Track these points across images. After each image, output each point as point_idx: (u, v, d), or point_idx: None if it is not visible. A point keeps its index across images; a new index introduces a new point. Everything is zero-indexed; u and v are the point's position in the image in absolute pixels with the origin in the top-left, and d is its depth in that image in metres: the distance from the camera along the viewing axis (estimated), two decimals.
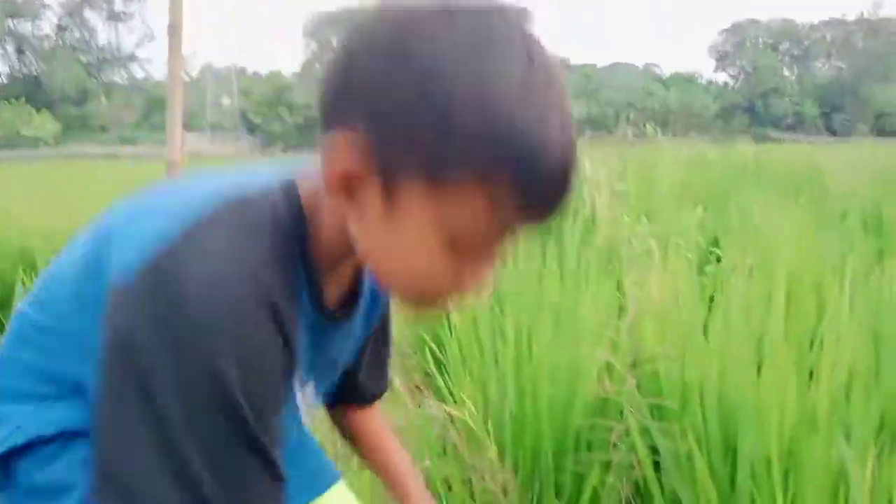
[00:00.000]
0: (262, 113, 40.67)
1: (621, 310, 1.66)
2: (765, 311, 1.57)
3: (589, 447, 1.34)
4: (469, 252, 0.61)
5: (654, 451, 1.30)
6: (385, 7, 0.58)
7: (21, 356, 0.67)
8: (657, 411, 1.32)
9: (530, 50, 0.57)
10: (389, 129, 0.56)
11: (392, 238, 0.61)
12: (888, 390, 1.34)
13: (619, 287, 2.03)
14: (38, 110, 35.54)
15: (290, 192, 0.64)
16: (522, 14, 0.61)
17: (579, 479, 1.31)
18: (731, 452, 1.24)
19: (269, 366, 0.61)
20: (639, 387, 1.31)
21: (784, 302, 1.53)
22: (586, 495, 1.26)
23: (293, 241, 0.63)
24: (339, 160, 0.58)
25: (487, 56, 0.55)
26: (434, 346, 2.02)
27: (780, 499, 1.05)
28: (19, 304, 0.70)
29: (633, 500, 1.27)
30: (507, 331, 1.68)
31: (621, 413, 1.36)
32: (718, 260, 2.72)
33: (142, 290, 0.57)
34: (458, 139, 0.55)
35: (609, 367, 1.38)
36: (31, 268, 4.17)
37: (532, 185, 0.57)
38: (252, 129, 40.89)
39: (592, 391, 1.37)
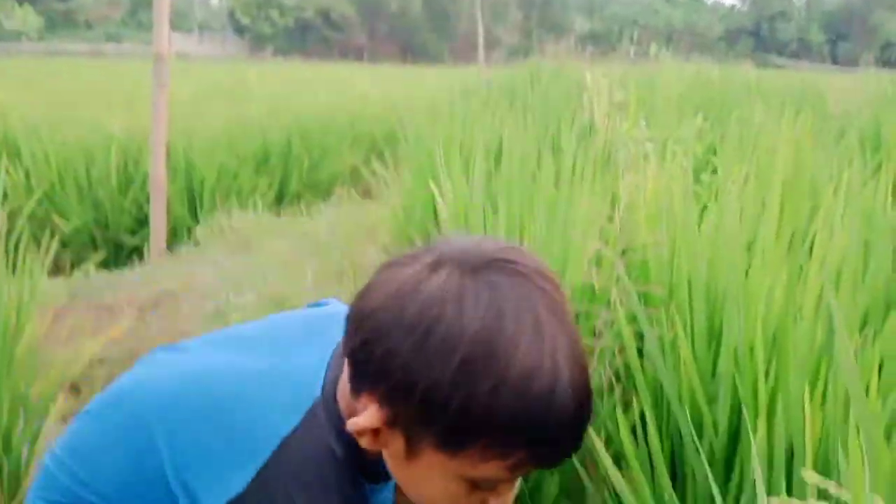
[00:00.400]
0: (251, 14, 39.28)
1: (614, 205, 1.65)
2: (758, 212, 1.57)
3: None
4: (488, 487, 0.69)
5: (638, 339, 1.32)
6: (411, 293, 0.64)
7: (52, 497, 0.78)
8: (644, 300, 1.33)
9: (537, 315, 0.63)
10: (412, 407, 0.63)
11: (415, 475, 0.69)
12: (874, 290, 1.35)
13: (613, 188, 2.01)
14: (21, 3, 34.20)
15: (330, 408, 0.72)
16: (528, 269, 0.65)
17: None
18: (715, 341, 1.27)
19: None
20: (628, 275, 1.32)
21: (778, 205, 1.52)
22: None
23: (344, 457, 0.72)
24: (367, 419, 0.67)
25: (498, 344, 0.61)
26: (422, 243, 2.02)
27: (763, 383, 1.07)
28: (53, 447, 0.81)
29: (614, 384, 1.30)
30: (498, 227, 1.68)
31: (609, 303, 1.37)
32: (714, 171, 2.71)
33: None
34: (472, 421, 0.61)
35: (599, 257, 1.38)
36: (17, 156, 4.11)
37: (544, 450, 0.64)
38: (241, 30, 39.60)
39: (581, 279, 1.38)
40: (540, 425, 0.62)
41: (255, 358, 0.76)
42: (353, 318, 0.67)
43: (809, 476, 0.63)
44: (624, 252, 1.37)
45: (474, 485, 0.68)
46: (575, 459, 1.30)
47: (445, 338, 0.61)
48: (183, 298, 2.78)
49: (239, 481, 0.68)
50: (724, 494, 1.10)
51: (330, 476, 0.70)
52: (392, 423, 0.66)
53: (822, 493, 0.70)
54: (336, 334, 0.74)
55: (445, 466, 0.66)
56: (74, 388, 2.42)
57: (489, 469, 0.65)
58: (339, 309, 0.81)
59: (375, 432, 0.68)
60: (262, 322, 0.85)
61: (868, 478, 0.60)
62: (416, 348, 0.62)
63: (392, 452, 0.68)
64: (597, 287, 1.38)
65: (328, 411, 0.72)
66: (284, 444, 0.68)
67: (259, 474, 0.68)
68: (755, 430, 1.03)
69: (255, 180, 4.29)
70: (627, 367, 1.33)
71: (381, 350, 0.64)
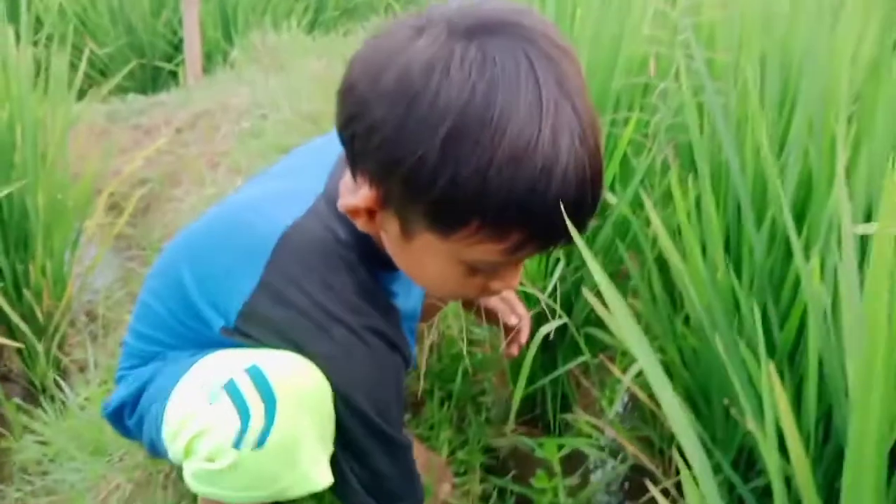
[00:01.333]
0: None
1: None
2: None
3: (629, 109, 1.23)
4: (489, 272, 0.66)
5: (699, 114, 1.19)
6: (391, 59, 0.57)
7: (143, 331, 0.81)
8: (709, 67, 1.18)
9: (538, 84, 0.54)
10: (399, 185, 0.59)
11: (414, 259, 0.66)
12: None
13: None
14: None
15: (331, 199, 0.70)
16: (533, 32, 0.56)
17: (614, 141, 1.21)
18: (787, 111, 1.13)
19: (388, 378, 0.73)
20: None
21: None
22: (618, 153, 1.17)
23: (349, 240, 0.69)
24: (358, 198, 0.63)
25: (489, 117, 0.54)
26: None
27: (841, 148, 0.94)
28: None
29: (669, 163, 1.18)
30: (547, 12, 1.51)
31: (668, 75, 1.23)
32: None
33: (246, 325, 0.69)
34: (460, 200, 0.56)
35: (661, 19, 1.22)
36: None
37: (541, 235, 0.59)
38: None
39: (640, 50, 1.23)
40: (535, 208, 0.56)
41: (272, 184, 0.77)
42: (339, 94, 0.62)
43: None
44: (688, 13, 1.21)
45: (473, 269, 0.64)
46: (621, 245, 1.21)
47: (429, 109, 0.54)
48: (220, 118, 2.72)
49: (250, 281, 0.66)
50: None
51: (335, 257, 0.68)
52: (384, 202, 0.62)
53: None
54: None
55: (440, 249, 0.62)
56: (114, 206, 2.42)
57: (484, 252, 0.61)
58: None
59: (371, 214, 0.64)
60: (285, 158, 0.87)
61: None
62: (398, 121, 0.56)
63: (390, 235, 0.66)
64: (655, 60, 1.23)
65: (329, 201, 0.70)
66: (286, 235, 0.67)
67: (266, 268, 0.66)
68: (828, 194, 0.92)
69: (290, 4, 4.09)
70: (686, 146, 1.21)
71: (363, 125, 0.58)
